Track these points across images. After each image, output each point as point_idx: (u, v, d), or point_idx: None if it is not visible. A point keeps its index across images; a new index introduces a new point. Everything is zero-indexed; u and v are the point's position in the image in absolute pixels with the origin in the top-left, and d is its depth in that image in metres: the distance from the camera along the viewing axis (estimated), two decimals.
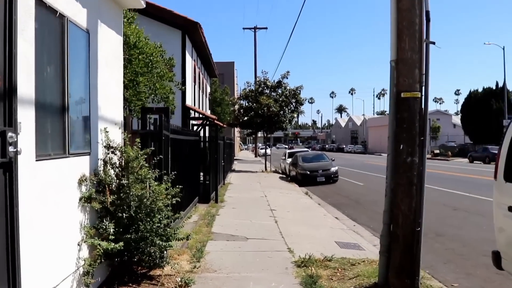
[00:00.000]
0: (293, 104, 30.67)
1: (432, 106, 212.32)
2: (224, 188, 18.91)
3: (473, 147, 56.83)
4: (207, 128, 23.94)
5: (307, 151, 33.06)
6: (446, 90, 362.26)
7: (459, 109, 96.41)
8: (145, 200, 5.68)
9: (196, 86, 27.27)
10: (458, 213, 13.45)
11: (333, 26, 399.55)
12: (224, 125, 37.90)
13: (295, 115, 30.87)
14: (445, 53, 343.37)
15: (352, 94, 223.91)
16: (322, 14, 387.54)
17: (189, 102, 23.07)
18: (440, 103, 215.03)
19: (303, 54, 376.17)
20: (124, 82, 13.21)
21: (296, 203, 15.58)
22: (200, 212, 12.07)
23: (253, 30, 59.42)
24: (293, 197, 17.33)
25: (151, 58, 13.70)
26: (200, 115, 23.12)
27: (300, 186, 22.12)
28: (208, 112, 36.27)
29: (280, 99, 30.34)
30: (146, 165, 6.13)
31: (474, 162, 45.59)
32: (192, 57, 24.72)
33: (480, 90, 59.64)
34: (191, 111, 22.99)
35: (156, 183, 6.09)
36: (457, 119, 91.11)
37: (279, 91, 30.82)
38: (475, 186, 19.70)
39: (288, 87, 30.61)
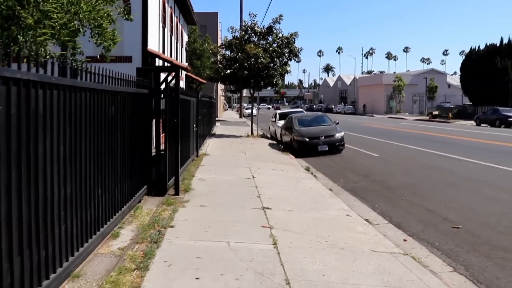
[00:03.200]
0: (286, 54, 25.27)
1: (420, 66, 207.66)
2: (196, 163, 13.82)
3: (473, 108, 52.35)
4: (180, 81, 18.72)
5: (302, 111, 27.68)
6: (433, 50, 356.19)
7: (446, 69, 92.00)
8: None
9: (167, 30, 21.72)
10: None
11: None
12: (203, 81, 32.53)
13: (288, 68, 25.46)
14: (430, 12, 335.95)
15: (339, 53, 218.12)
16: None
17: (153, 47, 17.64)
18: (427, 63, 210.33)
19: (290, 12, 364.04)
20: None
21: (299, 189, 10.58)
22: (142, 220, 7.00)
23: None
24: (291, 177, 12.33)
25: None
26: (168, 64, 17.69)
27: (297, 157, 17.12)
28: (186, 65, 30.76)
29: (271, 48, 24.90)
30: None
31: (481, 125, 40.91)
32: None
33: (482, 47, 54.37)
34: (156, 59, 17.59)
35: None
36: (451, 79, 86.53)
37: (270, 38, 25.34)
38: None
39: (280, 34, 25.12)
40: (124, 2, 15.93)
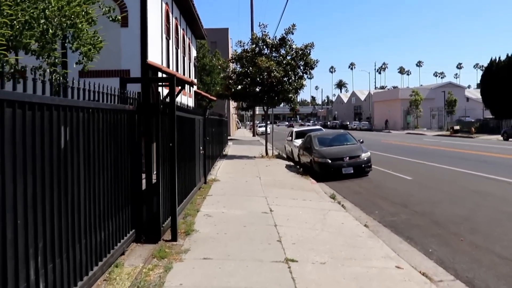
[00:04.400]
0: (301, 67, 23.31)
1: (433, 80, 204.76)
2: (203, 192, 11.83)
3: (495, 122, 49.97)
4: (188, 97, 17.07)
5: (321, 129, 25.50)
6: (447, 64, 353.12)
7: (461, 83, 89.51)
8: None
9: (172, 43, 19.97)
10: None
11: (334, 2, 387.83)
12: (214, 98, 30.73)
13: (304, 82, 23.45)
14: (442, 26, 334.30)
15: (352, 69, 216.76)
16: None
17: (156, 59, 15.82)
18: (441, 77, 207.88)
19: (300, 28, 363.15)
20: None
21: (328, 227, 8.51)
22: (119, 287, 4.99)
23: None
24: (316, 209, 10.26)
25: None
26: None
27: (318, 181, 15.09)
28: (190, 79, 28.99)
29: (284, 61, 22.99)
30: None
31: (510, 139, 38.45)
32: None
33: (503, 58, 51.78)
34: (158, 73, 15.76)
35: None
36: (468, 93, 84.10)
37: (283, 51, 23.44)
38: None
39: (294, 46, 23.20)
40: (120, 9, 14.18)
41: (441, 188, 13.09)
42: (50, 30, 6.92)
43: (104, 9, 8.26)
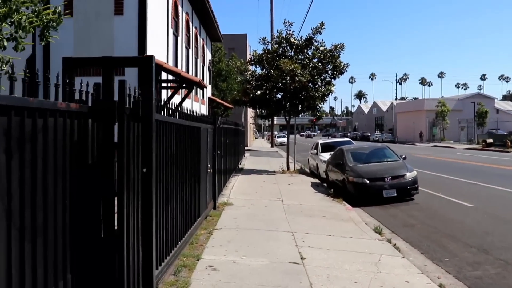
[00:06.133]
0: (329, 71, 20.52)
1: (455, 92, 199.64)
2: (210, 222, 9.06)
3: None
4: (200, 104, 14.52)
5: (351, 142, 21.84)
6: (469, 75, 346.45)
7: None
8: None
9: (182, 40, 17.35)
10: None
11: (355, 12, 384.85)
12: (230, 105, 28.06)
13: (332, 88, 20.64)
14: (466, 37, 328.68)
15: (372, 79, 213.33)
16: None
17: (158, 56, 13.17)
18: (464, 89, 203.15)
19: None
20: None
21: None
22: None
23: None
24: (363, 254, 7.41)
25: None
26: (177, 79, 13.09)
27: (354, 206, 12.25)
28: (209, 88, 26.38)
29: (311, 64, 20.25)
30: None
31: None
32: None
33: None
34: (162, 72, 13.10)
35: None
36: (497, 104, 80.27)
37: (309, 53, 20.70)
38: None
39: (322, 47, 20.42)
40: None
41: None
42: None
43: None
